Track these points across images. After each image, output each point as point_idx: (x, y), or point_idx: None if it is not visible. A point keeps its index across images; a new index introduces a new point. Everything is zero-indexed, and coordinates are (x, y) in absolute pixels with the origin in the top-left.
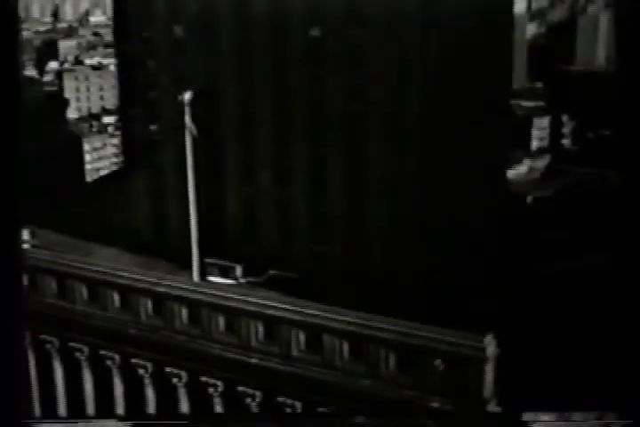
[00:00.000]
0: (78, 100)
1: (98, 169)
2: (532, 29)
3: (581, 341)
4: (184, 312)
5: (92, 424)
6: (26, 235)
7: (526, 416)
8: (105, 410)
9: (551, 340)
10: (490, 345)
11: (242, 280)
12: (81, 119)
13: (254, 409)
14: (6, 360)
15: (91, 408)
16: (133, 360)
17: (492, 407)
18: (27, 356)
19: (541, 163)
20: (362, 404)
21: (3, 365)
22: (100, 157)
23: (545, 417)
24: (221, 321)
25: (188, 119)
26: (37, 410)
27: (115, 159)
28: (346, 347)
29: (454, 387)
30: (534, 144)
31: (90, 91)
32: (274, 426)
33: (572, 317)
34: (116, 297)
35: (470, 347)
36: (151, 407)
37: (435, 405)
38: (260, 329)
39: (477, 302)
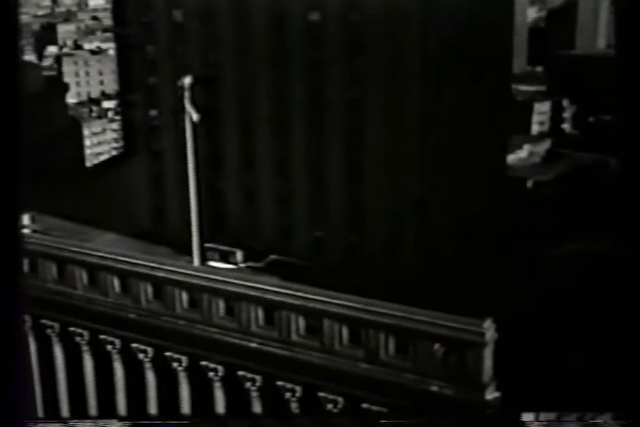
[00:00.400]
0: (78, 84)
1: (97, 154)
2: (532, 13)
3: (579, 325)
4: (184, 297)
5: (92, 424)
6: (26, 220)
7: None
8: (105, 395)
9: (551, 325)
10: (489, 330)
11: (242, 265)
12: (80, 104)
13: (254, 393)
14: (6, 349)
15: (91, 394)
16: (134, 345)
17: (491, 392)
18: (27, 344)
19: (542, 147)
20: (361, 388)
21: (2, 355)
22: (100, 142)
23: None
24: (221, 306)
25: (187, 104)
26: (38, 398)
27: (114, 144)
28: (345, 332)
29: (453, 371)
30: (535, 129)
31: (89, 75)
32: (274, 425)
33: (568, 301)
34: (117, 282)
35: (469, 331)
36: (151, 392)
37: (434, 389)
38: (260, 314)
39: (477, 287)
